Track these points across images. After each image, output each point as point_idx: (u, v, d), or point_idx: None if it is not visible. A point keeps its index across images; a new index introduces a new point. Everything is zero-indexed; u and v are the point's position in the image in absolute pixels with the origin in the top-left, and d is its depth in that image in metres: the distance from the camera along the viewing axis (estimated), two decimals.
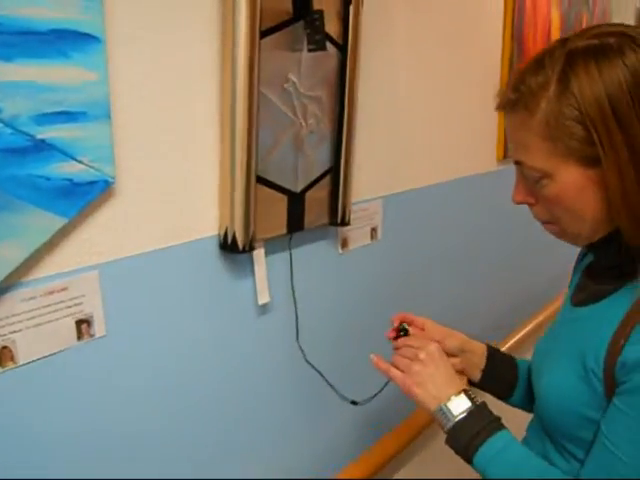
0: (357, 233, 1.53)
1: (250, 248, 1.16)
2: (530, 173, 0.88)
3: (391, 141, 1.62)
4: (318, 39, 1.19)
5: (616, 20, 3.10)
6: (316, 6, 1.19)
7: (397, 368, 1.05)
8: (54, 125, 0.88)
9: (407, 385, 1.02)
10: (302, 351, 1.41)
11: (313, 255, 1.40)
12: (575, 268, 1.12)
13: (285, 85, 1.19)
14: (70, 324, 0.97)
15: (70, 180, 0.91)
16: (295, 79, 1.20)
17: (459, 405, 0.97)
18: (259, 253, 1.23)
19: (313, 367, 1.44)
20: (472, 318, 1.97)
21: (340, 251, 1.48)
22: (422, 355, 1.01)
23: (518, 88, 0.86)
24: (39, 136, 0.87)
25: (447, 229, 1.91)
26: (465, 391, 0.98)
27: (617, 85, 0.78)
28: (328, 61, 1.27)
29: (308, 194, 1.30)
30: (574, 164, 0.83)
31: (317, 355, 1.45)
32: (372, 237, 1.59)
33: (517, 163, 0.90)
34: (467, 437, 0.95)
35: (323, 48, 1.19)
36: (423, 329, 1.16)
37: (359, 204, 1.52)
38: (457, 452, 0.98)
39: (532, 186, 0.90)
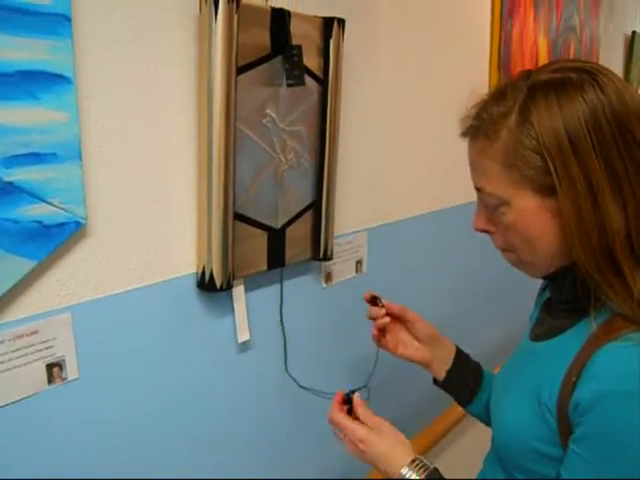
0: (342, 267, 1.52)
1: (228, 286, 1.14)
2: (489, 200, 0.89)
3: (375, 173, 1.61)
4: (297, 74, 1.18)
5: (604, 47, 3.12)
6: (296, 40, 1.19)
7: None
8: (23, 167, 0.87)
9: (363, 461, 1.03)
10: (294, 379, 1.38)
11: (296, 290, 1.38)
12: (536, 302, 1.11)
13: (263, 120, 1.18)
14: (40, 368, 0.95)
15: (40, 222, 0.90)
16: (274, 114, 1.19)
17: (417, 465, 0.96)
18: (239, 290, 1.21)
19: (308, 389, 1.41)
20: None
21: (324, 285, 1.47)
22: (361, 446, 1.00)
23: (480, 116, 0.88)
24: (7, 179, 0.86)
25: (433, 260, 1.89)
26: (413, 461, 0.97)
27: (575, 119, 0.79)
28: (308, 95, 1.27)
29: (289, 229, 1.28)
30: (531, 193, 0.84)
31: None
32: (357, 270, 1.57)
33: (478, 190, 0.91)
34: None
35: (302, 83, 1.19)
36: (395, 313, 1.17)
37: (344, 237, 1.50)
38: None
39: (491, 213, 0.91)
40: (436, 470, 0.96)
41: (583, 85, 0.80)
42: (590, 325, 0.84)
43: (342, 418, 1.03)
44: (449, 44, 1.86)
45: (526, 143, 0.82)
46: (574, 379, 0.81)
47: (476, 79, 2.04)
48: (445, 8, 1.83)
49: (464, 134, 0.92)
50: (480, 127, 0.87)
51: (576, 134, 0.79)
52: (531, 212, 0.85)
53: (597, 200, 0.80)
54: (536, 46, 2.35)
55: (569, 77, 0.82)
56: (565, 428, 0.83)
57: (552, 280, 0.94)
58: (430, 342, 1.17)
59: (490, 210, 0.91)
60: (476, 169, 0.90)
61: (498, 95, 0.88)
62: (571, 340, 0.87)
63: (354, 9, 1.44)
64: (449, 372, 1.17)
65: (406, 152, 1.71)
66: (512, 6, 2.12)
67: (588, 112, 0.79)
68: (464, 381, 1.18)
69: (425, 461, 0.97)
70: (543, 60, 2.42)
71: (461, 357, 1.19)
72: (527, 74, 0.87)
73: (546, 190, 0.83)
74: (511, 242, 0.91)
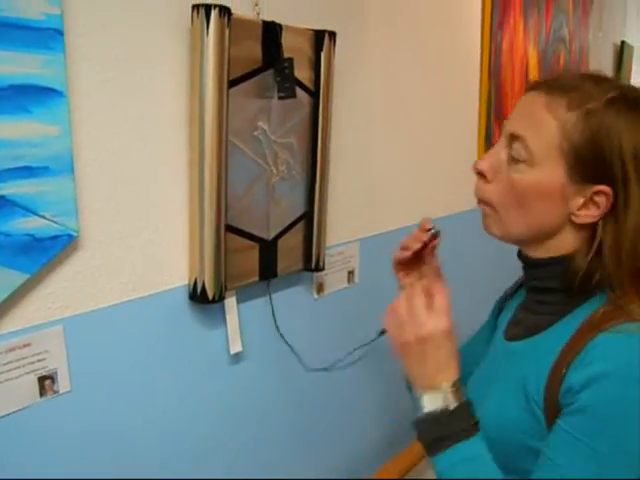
0: (333, 277, 1.52)
1: (220, 298, 1.14)
2: (519, 150, 0.86)
3: (367, 184, 1.62)
4: (288, 87, 1.19)
5: (593, 57, 3.15)
6: (287, 53, 1.20)
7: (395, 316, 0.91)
8: (15, 181, 0.88)
9: (395, 347, 0.90)
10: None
11: (288, 301, 1.38)
12: (498, 309, 1.12)
13: (255, 133, 1.18)
14: (32, 381, 0.95)
15: (32, 236, 0.90)
16: (265, 126, 1.20)
17: (440, 399, 0.87)
18: (230, 302, 1.22)
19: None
20: None
21: (315, 296, 1.47)
22: (424, 331, 0.87)
23: (575, 82, 0.86)
24: None
25: None
26: (454, 384, 0.88)
27: None
28: (300, 107, 1.28)
29: (281, 241, 1.29)
30: (564, 172, 0.84)
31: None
32: (349, 280, 1.58)
33: (513, 137, 0.88)
34: (436, 435, 0.87)
35: (293, 96, 1.20)
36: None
37: (335, 247, 1.51)
38: (420, 440, 0.90)
39: (503, 164, 0.89)
40: (468, 405, 0.89)
41: None
42: (579, 316, 0.85)
43: (418, 294, 0.89)
44: (440, 56, 1.88)
45: (598, 131, 0.82)
46: (564, 370, 0.82)
47: (467, 90, 2.05)
48: (436, 20, 1.85)
49: (545, 86, 0.89)
50: (568, 90, 0.85)
51: None
52: (548, 186, 0.85)
53: None
54: (526, 57, 2.37)
55: None
56: (553, 419, 0.83)
57: (536, 267, 0.93)
58: None
59: (506, 162, 0.89)
60: (530, 118, 0.87)
61: (596, 77, 0.88)
62: (555, 336, 0.87)
63: (345, 22, 1.45)
64: None
65: (398, 162, 1.72)
66: (502, 18, 2.14)
67: None
68: None
69: (464, 393, 0.90)
70: (533, 70, 2.44)
71: None
72: (621, 83, 0.89)
73: (579, 178, 0.84)
74: (504, 201, 0.89)
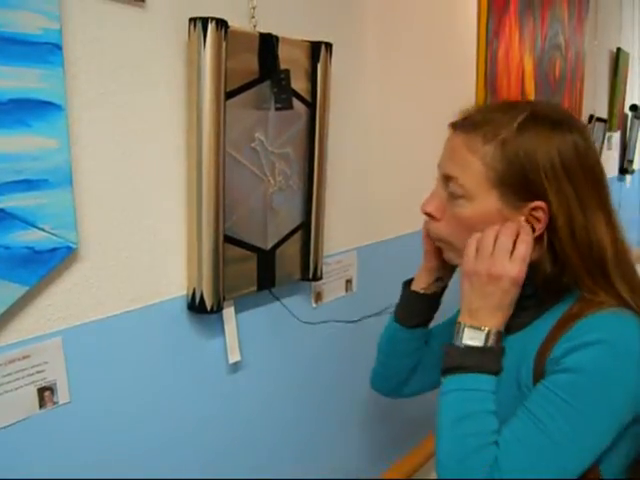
0: (331, 286, 1.53)
1: (219, 308, 1.15)
2: (454, 189, 0.94)
3: (364, 193, 1.63)
4: (285, 98, 1.20)
5: (589, 64, 3.17)
6: (284, 65, 1.21)
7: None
8: (14, 194, 0.88)
9: (463, 271, 0.95)
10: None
11: (286, 310, 1.39)
12: None
13: (252, 144, 1.19)
14: (32, 392, 0.96)
15: (31, 248, 0.91)
16: (262, 137, 1.21)
17: (481, 339, 0.92)
18: (229, 312, 1.22)
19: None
20: None
21: (314, 305, 1.48)
22: (497, 270, 0.91)
23: (483, 115, 0.95)
24: None
25: None
26: (498, 332, 0.93)
27: (567, 146, 0.91)
28: (297, 118, 1.29)
29: (279, 250, 1.30)
30: (497, 197, 0.92)
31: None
32: (347, 289, 1.59)
33: (446, 177, 0.96)
34: (459, 363, 0.92)
35: (290, 107, 1.21)
36: None
37: (333, 257, 1.52)
38: (443, 361, 0.95)
39: (446, 203, 0.97)
40: (502, 352, 0.93)
41: (572, 128, 0.93)
42: (556, 312, 0.93)
43: (508, 236, 0.91)
44: (436, 65, 1.89)
45: (516, 153, 0.90)
46: (549, 352, 0.88)
47: (463, 99, 2.06)
48: (432, 30, 1.86)
49: (459, 126, 0.97)
50: (480, 125, 0.93)
51: (568, 160, 0.90)
52: (489, 214, 0.93)
53: (588, 217, 0.91)
54: (522, 65, 2.38)
55: (563, 119, 0.94)
56: None
57: None
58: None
59: (446, 199, 0.97)
60: (455, 159, 0.95)
61: (503, 106, 0.98)
62: (541, 326, 0.93)
63: (342, 33, 1.46)
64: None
65: (395, 171, 1.73)
66: (498, 27, 2.15)
67: (574, 145, 0.91)
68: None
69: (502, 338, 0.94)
70: (529, 78, 2.46)
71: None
72: (529, 102, 1.00)
73: (514, 200, 0.91)
74: (455, 234, 0.97)
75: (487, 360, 0.92)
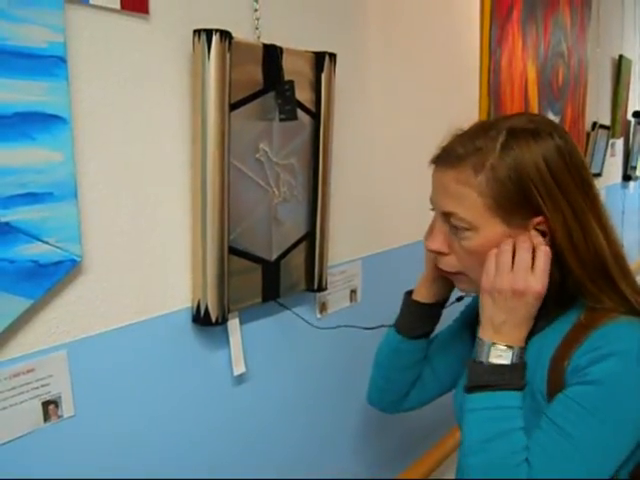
0: (336, 296, 1.52)
1: (224, 320, 1.14)
2: (457, 224, 0.94)
3: (369, 202, 1.62)
4: (289, 109, 1.20)
5: (592, 71, 3.17)
6: (288, 75, 1.21)
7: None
8: (19, 207, 0.88)
9: (485, 288, 0.94)
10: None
11: (291, 321, 1.38)
12: (464, 319, 1.20)
13: (257, 155, 1.19)
14: (36, 406, 0.95)
15: (36, 262, 0.91)
16: (267, 148, 1.21)
17: (508, 356, 0.92)
18: (234, 323, 1.22)
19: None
20: None
21: (318, 315, 1.47)
22: (521, 285, 0.91)
23: (466, 146, 0.94)
24: (3, 219, 0.86)
25: None
26: (522, 347, 0.93)
27: (552, 153, 0.91)
28: (301, 129, 1.28)
29: (283, 262, 1.29)
30: (500, 220, 0.92)
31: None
32: (352, 299, 1.58)
33: (445, 214, 0.96)
34: (486, 381, 0.92)
35: (294, 118, 1.21)
36: None
37: (337, 267, 1.51)
38: (468, 378, 0.95)
39: (450, 237, 0.97)
40: (525, 365, 0.94)
41: (552, 133, 0.93)
42: (566, 321, 0.93)
43: (526, 250, 0.92)
44: (440, 75, 1.89)
45: (508, 175, 0.90)
46: (566, 361, 0.89)
47: (467, 108, 2.07)
48: (435, 39, 1.86)
49: (443, 161, 0.97)
50: (465, 157, 0.93)
51: (554, 167, 0.91)
52: (496, 240, 0.93)
53: (583, 223, 0.91)
54: (525, 73, 2.38)
55: (540, 127, 0.94)
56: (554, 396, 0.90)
57: None
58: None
59: (450, 234, 0.97)
60: (450, 196, 0.95)
61: (481, 131, 0.96)
62: (552, 334, 0.94)
63: (346, 43, 1.46)
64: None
65: (399, 181, 1.73)
66: (500, 35, 2.15)
67: (558, 151, 0.92)
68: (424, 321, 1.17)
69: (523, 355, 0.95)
70: (532, 86, 2.46)
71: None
72: (504, 119, 0.98)
73: (518, 220, 0.92)
74: (466, 265, 0.97)
75: (514, 377, 0.92)
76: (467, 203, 0.93)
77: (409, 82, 1.74)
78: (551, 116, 2.67)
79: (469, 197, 0.92)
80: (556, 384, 0.89)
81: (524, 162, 0.90)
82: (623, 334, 0.88)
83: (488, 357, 0.93)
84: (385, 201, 1.69)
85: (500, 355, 0.93)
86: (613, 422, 0.85)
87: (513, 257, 0.92)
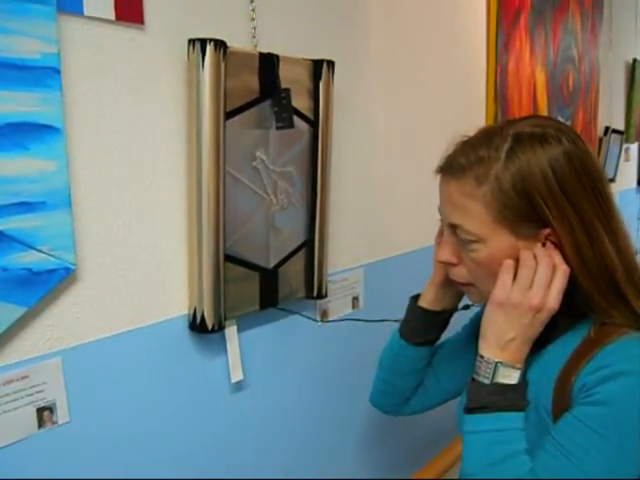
0: (337, 303, 1.52)
1: (220, 327, 1.15)
2: (464, 236, 0.92)
3: (371, 209, 1.62)
4: (286, 117, 1.20)
5: (604, 76, 3.14)
6: (285, 83, 1.21)
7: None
8: (13, 216, 0.89)
9: (494, 301, 0.91)
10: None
11: (291, 328, 1.38)
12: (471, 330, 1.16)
13: (253, 163, 1.20)
14: (31, 412, 0.96)
15: (29, 270, 0.92)
16: (264, 156, 1.21)
17: (514, 377, 0.89)
18: (231, 331, 1.22)
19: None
20: None
21: (319, 323, 1.47)
22: (536, 302, 0.88)
23: (468, 156, 0.91)
24: None
25: None
26: (522, 366, 0.91)
27: (560, 162, 0.87)
28: (299, 137, 1.29)
29: (281, 269, 1.30)
30: (508, 231, 0.89)
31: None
32: (354, 306, 1.58)
33: (452, 225, 0.94)
34: (488, 402, 0.89)
35: (291, 126, 1.21)
36: None
37: (339, 274, 1.51)
38: (468, 397, 0.92)
39: (459, 248, 0.95)
40: (527, 384, 0.92)
41: (560, 138, 0.89)
42: (574, 337, 0.90)
43: (546, 266, 0.88)
44: (444, 81, 1.89)
45: (514, 186, 0.87)
46: (573, 377, 0.86)
47: (472, 114, 2.06)
48: (439, 46, 1.86)
49: (447, 172, 0.94)
50: (468, 168, 0.90)
51: (562, 175, 0.87)
52: (504, 251, 0.90)
53: (592, 235, 0.88)
54: (533, 78, 2.37)
55: (548, 131, 0.89)
56: (559, 415, 0.87)
57: None
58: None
59: (459, 244, 0.94)
60: (456, 207, 0.92)
61: (485, 139, 0.92)
62: (559, 350, 0.91)
63: (346, 51, 1.47)
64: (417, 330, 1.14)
65: (402, 187, 1.73)
66: (507, 40, 2.14)
67: (567, 157, 0.87)
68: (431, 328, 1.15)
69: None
70: (541, 91, 2.45)
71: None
72: (510, 124, 0.93)
73: (525, 231, 0.89)
74: (476, 276, 0.95)
75: (517, 397, 0.90)
76: (472, 215, 0.90)
77: (412, 88, 1.74)
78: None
79: (474, 209, 0.89)
80: (562, 401, 0.87)
81: (530, 172, 0.86)
82: (633, 352, 0.85)
83: (494, 377, 0.89)
84: (387, 209, 1.69)
85: (508, 375, 0.89)
86: (621, 445, 0.82)
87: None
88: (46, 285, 0.94)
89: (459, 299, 1.13)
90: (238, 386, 1.27)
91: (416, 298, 1.15)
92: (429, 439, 1.95)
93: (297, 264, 1.34)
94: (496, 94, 2.11)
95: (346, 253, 1.53)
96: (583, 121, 2.90)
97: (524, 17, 2.23)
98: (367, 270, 1.61)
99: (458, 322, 1.19)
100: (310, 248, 1.35)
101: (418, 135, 1.77)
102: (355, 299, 1.58)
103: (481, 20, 2.07)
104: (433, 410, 1.23)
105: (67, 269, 0.96)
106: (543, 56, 2.43)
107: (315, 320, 1.43)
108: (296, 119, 1.25)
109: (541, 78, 2.44)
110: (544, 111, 2.48)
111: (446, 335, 1.18)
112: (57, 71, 0.92)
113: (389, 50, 1.63)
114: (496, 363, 0.90)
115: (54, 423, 0.99)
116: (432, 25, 1.83)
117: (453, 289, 1.08)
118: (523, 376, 0.90)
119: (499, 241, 0.90)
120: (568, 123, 2.73)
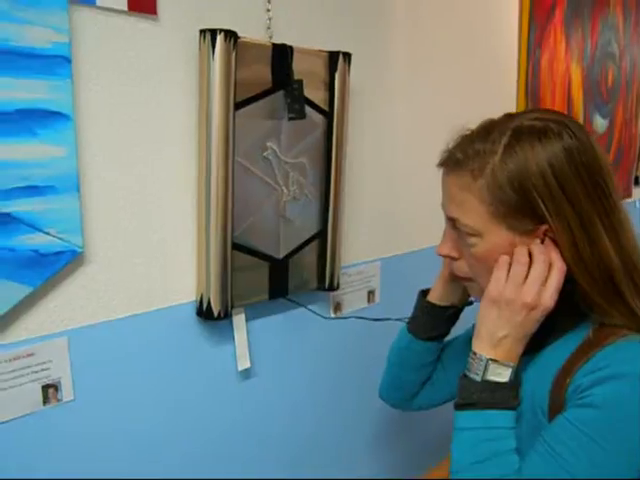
0: (352, 296, 1.52)
1: (227, 315, 1.16)
2: (463, 230, 0.91)
3: (389, 203, 1.62)
4: (297, 108, 1.21)
5: None
6: (300, 74, 1.22)
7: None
8: (21, 199, 0.92)
9: (489, 297, 0.90)
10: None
11: (302, 319, 1.39)
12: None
13: (265, 153, 1.21)
14: (36, 389, 0.99)
15: (36, 251, 0.95)
16: (275, 147, 1.22)
17: (507, 374, 0.88)
18: (239, 319, 1.24)
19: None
20: None
21: (332, 315, 1.48)
22: (530, 299, 0.86)
23: (465, 150, 0.91)
24: (5, 210, 0.91)
25: None
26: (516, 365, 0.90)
27: (559, 159, 0.85)
28: (313, 128, 1.29)
29: (292, 260, 1.30)
30: (505, 228, 0.88)
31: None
32: (369, 300, 1.58)
33: (450, 219, 0.94)
34: (479, 399, 0.89)
35: (302, 117, 1.22)
36: None
37: (355, 267, 1.52)
38: (459, 392, 0.91)
39: (460, 242, 0.94)
40: (518, 386, 0.91)
41: (561, 133, 0.86)
42: (574, 339, 0.88)
43: (542, 263, 0.87)
44: (472, 77, 1.86)
45: (510, 181, 0.85)
46: (568, 379, 0.84)
47: (502, 110, 2.01)
48: (468, 41, 1.84)
49: (445, 165, 0.95)
50: (464, 162, 0.90)
51: (561, 172, 0.85)
52: (502, 246, 0.89)
53: (590, 233, 0.86)
54: (568, 74, 2.32)
55: (549, 125, 0.87)
56: (555, 414, 0.85)
57: None
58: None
59: (459, 238, 0.94)
60: (453, 201, 0.92)
61: (483, 133, 0.91)
62: (557, 351, 0.90)
63: (367, 44, 1.46)
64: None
65: (422, 183, 1.71)
66: (540, 36, 2.11)
67: (567, 153, 0.85)
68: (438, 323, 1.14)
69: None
70: (577, 88, 2.40)
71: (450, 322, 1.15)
72: (510, 117, 0.91)
73: (522, 227, 0.88)
74: (476, 272, 0.94)
75: (508, 396, 0.88)
76: (469, 209, 0.89)
77: (436, 83, 1.72)
78: (598, 119, 2.59)
79: (470, 203, 0.89)
80: (557, 402, 0.85)
81: (527, 168, 0.84)
82: (628, 355, 0.83)
83: (485, 374, 0.88)
84: (407, 204, 1.68)
85: (499, 373, 0.88)
86: (610, 448, 0.80)
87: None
88: (53, 267, 0.97)
89: (468, 295, 1.11)
90: (245, 374, 1.29)
91: (425, 293, 1.15)
92: (440, 440, 1.93)
93: (310, 255, 1.35)
94: (527, 90, 2.07)
95: (362, 246, 1.53)
96: (623, 119, 2.83)
97: (559, 12, 2.19)
98: (384, 264, 1.61)
99: (470, 318, 1.18)
100: (323, 239, 1.36)
101: (441, 131, 1.74)
102: (371, 293, 1.58)
103: (513, 14, 2.03)
104: (446, 410, 1.22)
105: (74, 252, 0.99)
106: (580, 52, 2.38)
107: (323, 317, 1.43)
108: (310, 110, 1.26)
109: (577, 74, 2.39)
110: (579, 108, 2.43)
111: (457, 331, 1.17)
112: (68, 60, 0.95)
113: (412, 43, 1.62)
114: (487, 360, 0.88)
115: (59, 400, 1.02)
116: (459, 17, 1.80)
117: (461, 284, 1.07)
118: (516, 375, 0.89)
119: (496, 236, 0.89)
120: (606, 121, 2.67)
